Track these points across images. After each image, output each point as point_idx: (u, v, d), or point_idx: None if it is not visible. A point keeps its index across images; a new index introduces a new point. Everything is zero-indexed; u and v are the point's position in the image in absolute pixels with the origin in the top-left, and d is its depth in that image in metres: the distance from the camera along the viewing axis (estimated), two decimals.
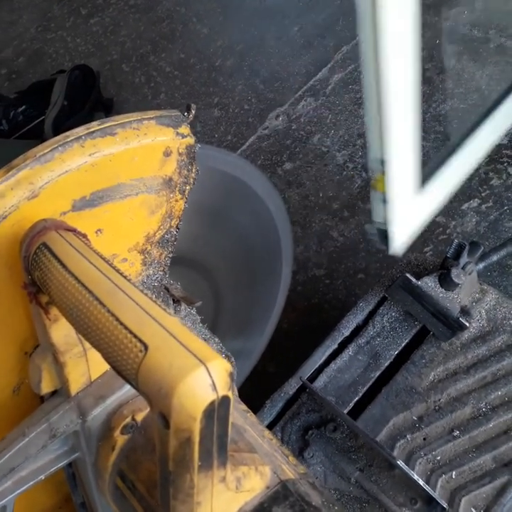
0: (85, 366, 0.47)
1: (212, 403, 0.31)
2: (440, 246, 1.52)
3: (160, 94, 2.09)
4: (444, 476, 0.83)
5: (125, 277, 0.36)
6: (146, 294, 0.35)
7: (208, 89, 2.04)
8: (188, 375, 0.30)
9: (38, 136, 1.87)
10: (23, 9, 2.72)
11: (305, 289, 1.55)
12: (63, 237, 0.40)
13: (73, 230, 0.42)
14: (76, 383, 0.48)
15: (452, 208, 1.51)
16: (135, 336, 0.32)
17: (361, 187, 1.64)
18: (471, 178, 1.54)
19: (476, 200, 1.51)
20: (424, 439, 0.87)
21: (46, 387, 0.49)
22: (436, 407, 0.88)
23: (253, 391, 1.08)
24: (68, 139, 0.45)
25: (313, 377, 0.98)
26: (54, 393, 0.50)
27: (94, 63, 2.26)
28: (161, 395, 0.30)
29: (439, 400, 0.89)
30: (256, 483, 0.41)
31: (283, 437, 0.95)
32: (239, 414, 0.50)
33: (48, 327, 0.44)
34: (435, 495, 0.80)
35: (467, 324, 0.87)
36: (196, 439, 0.31)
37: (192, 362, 0.30)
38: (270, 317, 0.85)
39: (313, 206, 1.67)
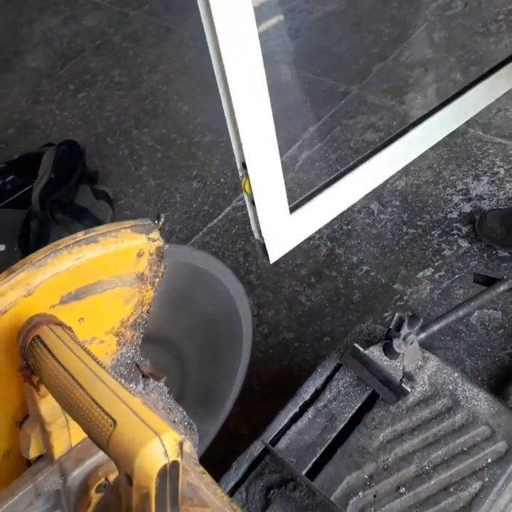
0: (67, 434, 0.56)
1: (164, 466, 0.41)
2: (398, 311, 1.64)
3: (142, 166, 2.23)
4: None
5: (100, 365, 0.47)
6: (116, 379, 0.45)
7: (187, 162, 2.18)
8: (146, 445, 0.40)
9: (24, 206, 1.97)
10: (15, 83, 2.88)
11: (276, 352, 1.64)
12: (53, 331, 0.50)
13: (61, 324, 0.52)
14: (59, 449, 0.57)
15: (408, 276, 1.64)
16: (107, 414, 0.42)
17: (326, 255, 1.77)
18: (425, 249, 1.69)
19: (430, 269, 1.64)
20: (374, 496, 0.95)
21: (34, 453, 0.57)
22: (385, 466, 0.97)
23: (226, 452, 1.15)
24: (59, 247, 0.56)
25: (276, 440, 1.05)
26: (40, 457, 0.59)
27: (80, 136, 2.39)
28: (126, 459, 0.40)
29: (388, 459, 0.97)
30: None
31: (248, 496, 1.01)
32: (196, 475, 0.59)
33: (37, 402, 0.53)
34: None
35: (409, 390, 0.97)
36: (153, 494, 0.41)
37: (149, 434, 0.41)
38: (232, 386, 0.94)
39: (283, 273, 1.79)
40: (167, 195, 2.11)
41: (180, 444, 0.42)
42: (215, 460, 1.08)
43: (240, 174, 0.92)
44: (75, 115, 2.59)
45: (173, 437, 0.41)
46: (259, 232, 0.98)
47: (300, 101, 2.24)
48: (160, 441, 0.41)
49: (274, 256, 1.03)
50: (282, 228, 1.06)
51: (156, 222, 0.62)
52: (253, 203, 0.94)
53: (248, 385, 1.55)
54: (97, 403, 0.43)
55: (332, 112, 2.14)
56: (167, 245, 0.64)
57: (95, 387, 0.44)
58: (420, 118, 1.33)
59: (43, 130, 2.57)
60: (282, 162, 2.06)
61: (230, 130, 0.90)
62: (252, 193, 0.93)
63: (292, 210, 1.08)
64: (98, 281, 0.59)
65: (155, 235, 0.62)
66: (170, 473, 0.41)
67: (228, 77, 0.83)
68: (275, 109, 2.37)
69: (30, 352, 0.50)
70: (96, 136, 2.43)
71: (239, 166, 0.92)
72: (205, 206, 2.04)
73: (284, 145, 2.09)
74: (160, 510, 0.42)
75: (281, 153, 2.11)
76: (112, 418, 0.42)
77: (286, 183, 1.99)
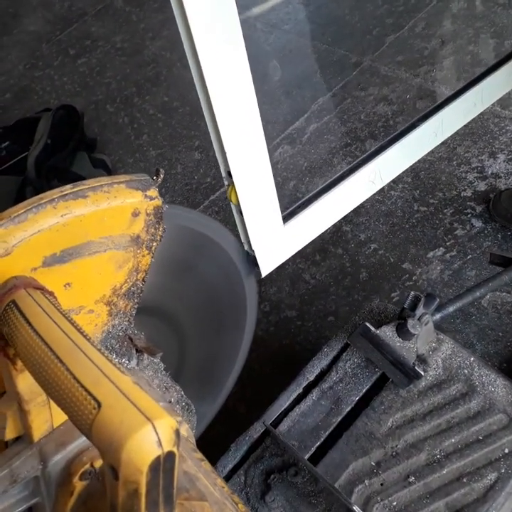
0: (48, 414, 0.49)
1: (157, 458, 0.34)
2: (406, 292, 1.57)
3: (143, 135, 2.15)
4: None
5: (85, 336, 0.40)
6: (103, 353, 0.39)
7: (189, 132, 2.10)
8: (136, 433, 0.34)
9: (20, 172, 1.90)
10: (12, 47, 2.78)
11: (277, 330, 1.58)
12: (31, 296, 0.43)
13: (41, 288, 0.45)
14: (39, 430, 0.50)
15: (418, 255, 1.57)
16: (90, 394, 0.35)
17: (333, 232, 1.69)
18: (436, 228, 1.62)
19: (441, 249, 1.57)
20: (382, 484, 0.89)
21: (10, 434, 0.51)
22: (394, 453, 0.91)
23: (223, 431, 1.10)
24: (42, 201, 0.49)
25: (278, 421, 0.99)
26: (17, 439, 0.53)
27: (79, 102, 2.31)
28: (111, 449, 0.34)
29: (397, 446, 0.92)
30: None
31: (246, 481, 0.96)
32: (193, 462, 0.52)
33: (14, 377, 0.47)
34: None
35: (422, 373, 0.91)
36: (143, 490, 0.35)
37: (140, 420, 0.34)
38: (234, 364, 0.88)
39: None
40: (168, 166, 2.03)
41: (177, 432, 0.35)
42: (211, 439, 1.02)
43: (226, 183, 0.81)
44: (74, 81, 2.50)
45: (168, 423, 0.34)
46: (249, 243, 0.88)
47: (310, 71, 2.15)
48: (153, 427, 0.34)
49: (265, 269, 0.93)
50: (275, 240, 0.95)
51: (154, 178, 0.55)
52: (241, 213, 0.84)
53: (247, 363, 1.49)
54: (78, 381, 0.36)
55: (343, 83, 2.05)
56: (166, 205, 0.57)
57: (77, 362, 0.37)
58: (429, 111, 1.22)
59: (40, 96, 2.49)
60: (289, 134, 1.99)
61: (212, 135, 0.77)
62: (238, 204, 0.82)
63: (286, 219, 0.98)
64: (87, 242, 0.52)
65: (153, 192, 0.55)
66: (164, 465, 0.35)
67: (206, 75, 0.70)
68: (283, 80, 2.27)
69: (4, 319, 0.43)
70: (95, 103, 2.35)
71: (223, 173, 0.81)
72: (207, 178, 1.97)
73: (292, 116, 2.01)
74: (151, 510, 0.35)
75: (289, 125, 2.04)
76: (95, 399, 0.35)
77: (292, 157, 1.92)
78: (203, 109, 0.74)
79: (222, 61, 0.70)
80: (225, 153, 0.76)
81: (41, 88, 2.50)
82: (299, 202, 1.03)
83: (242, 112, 0.75)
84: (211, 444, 0.99)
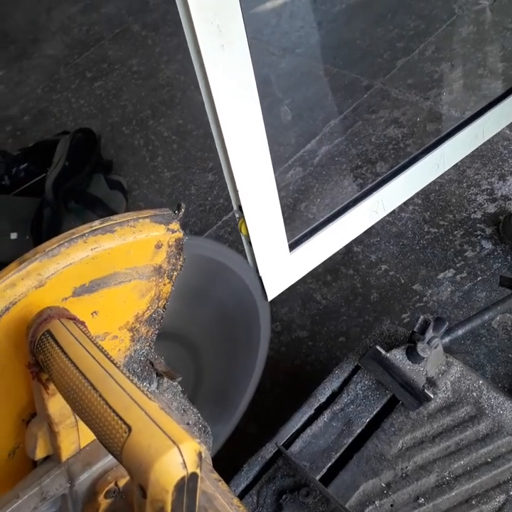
0: (76, 435, 0.53)
1: (182, 478, 0.38)
2: (417, 313, 1.59)
3: (157, 157, 2.20)
4: None
5: (115, 364, 0.43)
6: (132, 380, 0.42)
7: (203, 154, 2.14)
8: (163, 455, 0.37)
9: (38, 194, 1.95)
10: (31, 70, 2.85)
11: (288, 350, 1.60)
12: (65, 326, 0.47)
13: (73, 319, 0.49)
14: (67, 450, 0.53)
15: (429, 276, 1.59)
16: (121, 419, 0.39)
17: (344, 253, 1.72)
18: (446, 249, 1.64)
19: (451, 270, 1.59)
20: (392, 505, 0.91)
21: (40, 453, 0.54)
22: (404, 475, 0.93)
23: (234, 451, 1.11)
24: (74, 236, 0.52)
25: (289, 442, 1.01)
26: (46, 458, 0.56)
27: (95, 125, 2.36)
28: (140, 470, 0.37)
29: (406, 467, 0.93)
30: None
31: (258, 500, 0.98)
32: (211, 482, 0.55)
33: (46, 400, 0.50)
34: None
35: (432, 396, 0.93)
36: (169, 508, 0.38)
37: (167, 444, 0.37)
38: (248, 386, 0.91)
39: None
40: (182, 187, 2.08)
41: (200, 454, 0.38)
42: (222, 459, 1.04)
43: (237, 216, 0.89)
44: (91, 104, 2.56)
45: (192, 447, 0.38)
46: (257, 270, 0.95)
47: (321, 94, 2.19)
48: (178, 450, 0.37)
49: (271, 294, 1.00)
50: (281, 267, 1.02)
51: (176, 212, 0.59)
52: (250, 244, 0.92)
53: (258, 383, 1.51)
54: (110, 406, 0.39)
55: (354, 106, 2.09)
56: (187, 237, 0.61)
57: (109, 389, 0.40)
58: (431, 144, 1.26)
59: (58, 118, 2.54)
60: (301, 156, 2.03)
61: (225, 174, 0.85)
62: (248, 235, 0.90)
63: (292, 246, 1.05)
64: (113, 273, 0.55)
65: (175, 225, 0.59)
66: (188, 485, 0.38)
67: (222, 124, 0.79)
68: (295, 102, 2.32)
69: (39, 347, 0.47)
70: (111, 125, 2.40)
71: (235, 207, 0.88)
72: (220, 199, 2.00)
73: (304, 139, 2.05)
74: None
75: (301, 147, 2.08)
76: (126, 424, 0.38)
77: (304, 178, 1.95)
78: (219, 153, 0.81)
79: (237, 115, 0.78)
80: (237, 190, 0.82)
81: (59, 111, 2.56)
82: (304, 231, 1.10)
83: (253, 154, 0.83)
84: (222, 463, 1.01)
